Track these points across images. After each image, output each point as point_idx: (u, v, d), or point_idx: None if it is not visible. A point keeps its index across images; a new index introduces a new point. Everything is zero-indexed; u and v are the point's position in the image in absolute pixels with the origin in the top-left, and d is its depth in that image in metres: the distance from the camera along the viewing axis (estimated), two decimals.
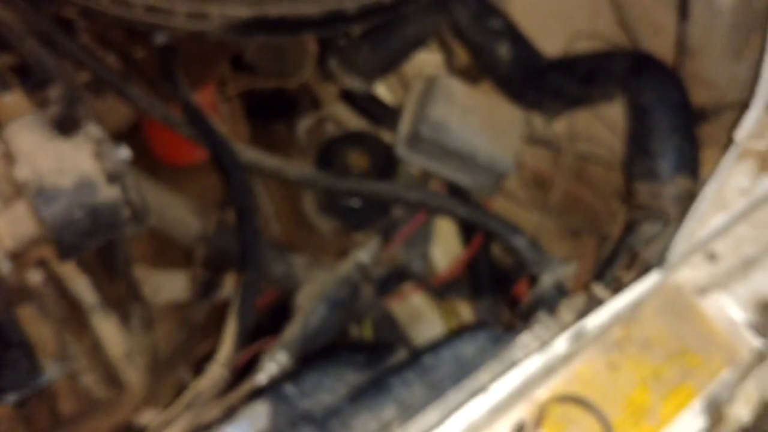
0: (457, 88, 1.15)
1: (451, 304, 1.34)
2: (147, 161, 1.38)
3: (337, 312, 1.11)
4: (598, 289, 0.85)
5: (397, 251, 1.22)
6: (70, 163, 0.83)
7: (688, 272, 0.89)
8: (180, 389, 1.05)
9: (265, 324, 1.14)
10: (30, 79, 1.01)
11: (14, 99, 0.90)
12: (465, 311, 1.35)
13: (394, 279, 1.24)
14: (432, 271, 1.35)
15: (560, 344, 0.77)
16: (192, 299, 1.24)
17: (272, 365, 1.01)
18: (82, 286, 0.97)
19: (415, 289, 1.27)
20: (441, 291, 1.28)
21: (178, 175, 1.35)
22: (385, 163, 1.22)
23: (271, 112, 1.45)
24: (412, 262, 1.23)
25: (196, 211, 1.24)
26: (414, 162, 1.16)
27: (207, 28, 0.96)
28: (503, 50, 1.10)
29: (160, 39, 1.08)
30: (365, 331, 1.19)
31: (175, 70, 1.12)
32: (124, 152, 0.86)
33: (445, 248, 1.34)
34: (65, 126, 0.89)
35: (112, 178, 0.84)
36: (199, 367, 1.12)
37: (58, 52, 1.05)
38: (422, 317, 1.34)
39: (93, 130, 0.86)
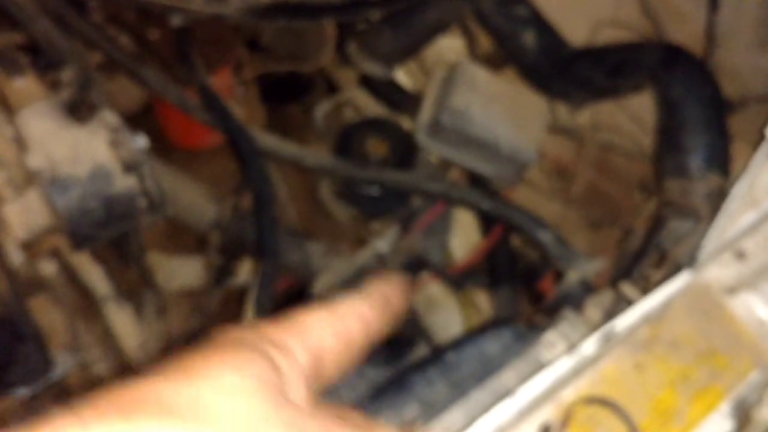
0: (479, 75, 1.12)
1: (469, 294, 1.31)
2: (160, 144, 1.35)
3: None
4: (627, 288, 0.83)
5: (415, 240, 1.20)
6: (84, 152, 0.81)
7: (716, 271, 0.87)
8: None
9: (281, 310, 1.11)
10: (42, 59, 0.99)
11: (27, 83, 0.88)
12: (483, 301, 1.32)
13: (412, 268, 1.21)
14: (450, 260, 1.32)
15: (589, 346, 0.75)
16: (206, 286, 1.23)
17: None
18: (95, 276, 0.95)
19: (433, 279, 1.25)
20: (459, 281, 1.25)
21: (193, 159, 1.33)
22: (405, 151, 1.19)
23: (288, 96, 1.42)
24: (431, 252, 1.21)
25: (211, 197, 1.21)
26: (434, 150, 1.13)
27: (226, 12, 0.93)
28: (528, 38, 1.07)
29: (176, 21, 1.05)
30: None
31: (191, 53, 1.09)
32: (142, 141, 0.83)
33: (464, 238, 1.32)
34: (79, 111, 0.86)
35: (129, 167, 0.82)
36: None
37: (70, 32, 1.03)
38: (440, 306, 1.31)
39: (109, 117, 0.84)
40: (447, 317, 1.28)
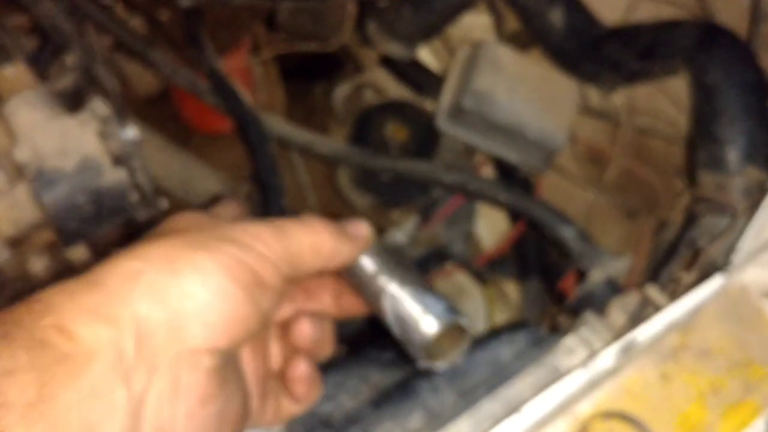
0: (505, 55, 1.04)
1: (497, 284, 1.25)
2: (178, 128, 1.31)
3: None
4: (654, 292, 0.76)
5: (437, 230, 1.14)
6: (73, 143, 0.77)
7: (756, 273, 0.79)
8: None
9: None
10: (47, 43, 0.96)
11: (16, 71, 0.83)
12: (512, 292, 1.26)
13: (433, 259, 1.16)
14: (477, 249, 1.26)
15: (607, 358, 0.68)
16: None
17: None
18: None
19: (456, 270, 1.19)
20: (485, 271, 1.19)
21: (210, 143, 1.28)
22: (426, 136, 1.13)
23: (309, 76, 1.37)
24: (453, 243, 1.15)
25: (225, 183, 1.17)
26: (456, 135, 1.06)
27: None
28: (556, 16, 0.99)
29: (186, 2, 1.01)
30: None
31: (200, 35, 1.04)
32: (131, 132, 0.78)
33: (492, 226, 1.26)
34: (73, 100, 0.82)
35: (118, 159, 0.77)
36: None
37: (79, 14, 0.99)
38: (466, 296, 1.26)
39: (99, 106, 0.79)
40: (473, 308, 1.22)
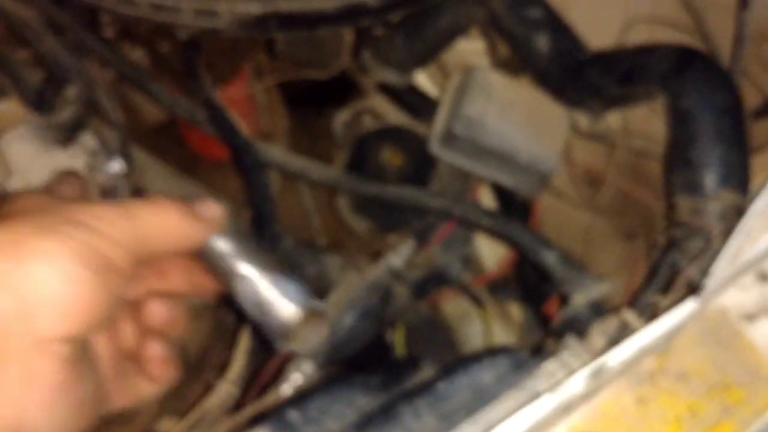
0: (496, 80, 1.06)
1: (500, 306, 1.26)
2: (184, 155, 1.34)
3: (367, 319, 1.05)
4: (630, 316, 0.77)
5: (434, 253, 1.15)
6: None
7: (735, 295, 0.80)
8: (207, 392, 1.02)
9: None
10: (50, 77, 0.99)
11: (10, 107, 0.87)
12: (516, 314, 1.27)
13: (431, 283, 1.17)
14: (479, 270, 1.27)
15: (576, 383, 0.69)
16: (222, 301, 1.21)
17: (297, 375, 0.96)
18: None
19: (455, 294, 1.20)
20: (484, 293, 1.20)
21: (215, 170, 1.31)
22: (422, 161, 1.14)
23: (312, 102, 1.39)
24: (451, 265, 1.16)
25: (228, 208, 1.19)
26: (449, 161, 1.08)
27: (217, 25, 0.91)
28: (541, 42, 1.00)
29: (182, 34, 1.04)
30: (397, 340, 1.13)
31: (197, 66, 1.07)
32: (118, 165, 0.81)
33: (493, 247, 1.27)
34: (71, 132, 0.85)
35: (105, 192, 0.80)
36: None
37: (81, 48, 1.02)
38: (469, 320, 1.27)
39: (88, 140, 0.82)
40: (470, 332, 1.23)
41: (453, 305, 1.28)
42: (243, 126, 1.04)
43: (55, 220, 0.50)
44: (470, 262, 1.21)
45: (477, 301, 1.17)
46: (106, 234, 0.52)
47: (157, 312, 0.64)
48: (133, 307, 0.65)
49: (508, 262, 1.23)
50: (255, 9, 0.89)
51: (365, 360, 1.11)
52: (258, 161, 1.00)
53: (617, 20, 1.18)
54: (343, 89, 1.40)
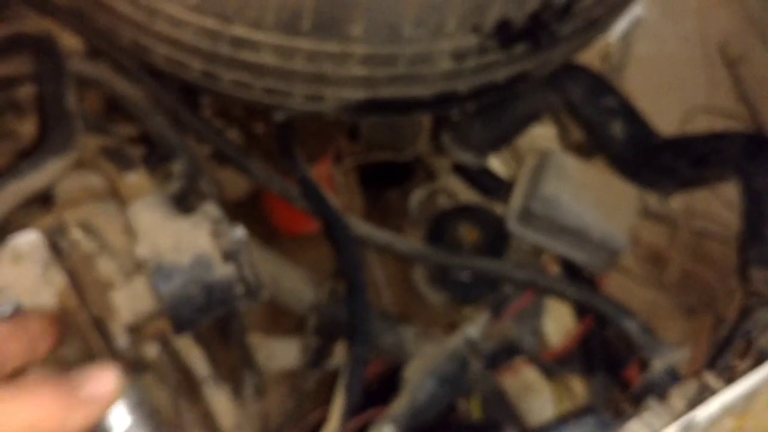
0: (570, 163, 1.14)
1: (564, 380, 1.31)
2: (265, 230, 1.42)
3: (446, 387, 1.11)
4: (711, 378, 0.82)
5: (507, 326, 1.21)
6: (187, 242, 0.87)
7: None
8: None
9: (372, 394, 1.14)
10: (154, 152, 1.07)
11: (137, 178, 0.95)
12: (578, 388, 1.32)
13: (504, 354, 1.22)
14: (544, 345, 1.33)
15: None
16: (303, 367, 1.27)
17: None
18: (196, 358, 1.00)
19: (526, 365, 1.25)
20: (552, 367, 1.26)
21: (294, 244, 1.38)
22: (497, 237, 1.21)
23: (385, 182, 1.47)
24: (523, 338, 1.22)
25: (310, 281, 1.26)
26: (526, 237, 1.15)
27: (322, 109, 0.99)
28: (617, 128, 1.09)
29: (279, 116, 1.12)
30: (474, 407, 1.18)
31: (293, 146, 1.15)
32: (240, 232, 0.89)
33: (559, 323, 1.32)
34: (185, 203, 0.93)
35: (228, 256, 0.87)
36: None
37: (182, 126, 1.10)
38: (534, 392, 1.32)
39: (211, 209, 0.90)
40: (540, 403, 1.28)
41: (515, 378, 1.33)
42: (335, 201, 1.12)
43: None
44: (538, 336, 1.27)
45: (549, 373, 1.22)
46: None
47: None
48: None
49: (572, 338, 1.29)
50: (359, 95, 0.97)
51: (441, 428, 1.16)
52: (350, 234, 1.07)
53: (677, 111, 1.26)
54: (407, 171, 1.49)
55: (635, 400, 0.89)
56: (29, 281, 0.75)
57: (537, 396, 1.30)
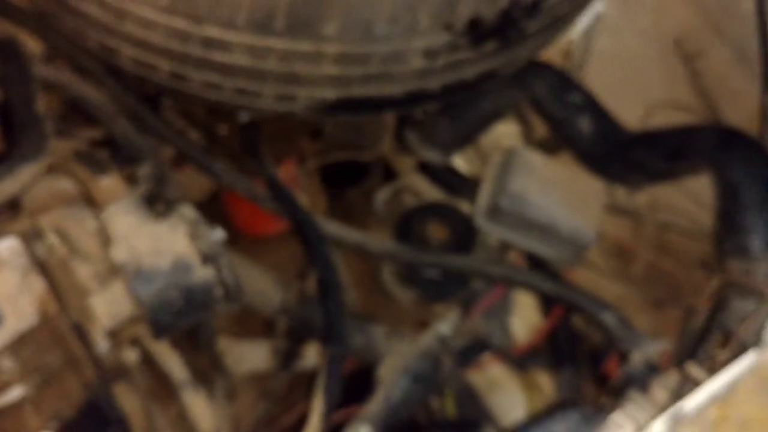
0: (536, 159, 1.15)
1: (532, 375, 1.32)
2: (227, 232, 1.40)
3: (419, 385, 1.11)
4: (694, 369, 0.84)
5: (476, 322, 1.22)
6: (166, 245, 0.86)
7: None
8: None
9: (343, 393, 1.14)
10: (120, 155, 1.05)
11: (111, 181, 0.93)
12: (545, 382, 1.33)
13: (473, 350, 1.23)
14: (512, 341, 1.34)
15: (658, 427, 0.76)
16: (273, 370, 1.25)
17: None
18: (173, 362, 0.99)
19: (495, 361, 1.26)
20: (521, 362, 1.27)
21: (258, 246, 1.37)
22: (464, 234, 1.22)
23: (347, 182, 1.47)
24: (492, 334, 1.23)
25: (277, 282, 1.25)
26: (494, 234, 1.16)
27: (293, 109, 0.99)
28: (584, 124, 1.10)
29: (244, 117, 1.11)
30: (447, 404, 1.18)
31: (259, 147, 1.14)
32: (219, 233, 0.88)
33: (525, 318, 1.33)
34: (156, 204, 0.91)
35: (207, 258, 0.86)
36: None
37: (145, 128, 1.08)
38: (501, 388, 1.32)
39: (187, 211, 0.89)
40: (510, 399, 1.29)
41: (482, 375, 1.34)
42: (303, 201, 1.11)
43: None
44: (507, 332, 1.28)
45: (521, 368, 1.23)
46: None
47: None
48: None
49: (539, 333, 1.30)
50: (331, 94, 0.97)
51: (413, 426, 1.16)
52: (320, 233, 1.07)
53: (638, 107, 1.28)
54: (366, 170, 1.48)
55: (615, 393, 0.90)
56: (9, 288, 0.74)
57: (505, 392, 1.30)
